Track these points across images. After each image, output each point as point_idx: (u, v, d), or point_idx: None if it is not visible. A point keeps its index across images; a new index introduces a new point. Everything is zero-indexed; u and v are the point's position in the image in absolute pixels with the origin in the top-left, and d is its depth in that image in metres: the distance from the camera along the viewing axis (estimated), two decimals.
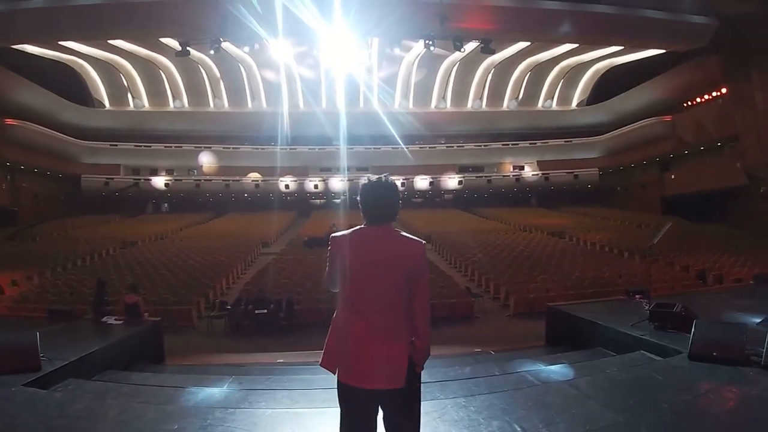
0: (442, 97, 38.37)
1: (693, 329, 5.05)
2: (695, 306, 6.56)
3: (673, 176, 31.76)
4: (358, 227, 2.47)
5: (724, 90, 27.50)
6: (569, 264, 16.64)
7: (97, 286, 9.22)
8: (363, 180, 2.50)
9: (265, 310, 11.45)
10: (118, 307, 8.94)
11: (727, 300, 9.31)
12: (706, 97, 29.53)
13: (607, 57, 32.83)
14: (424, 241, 2.48)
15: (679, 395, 3.98)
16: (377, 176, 2.51)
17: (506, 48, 31.54)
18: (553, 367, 5.34)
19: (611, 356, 6.14)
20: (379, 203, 2.44)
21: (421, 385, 2.51)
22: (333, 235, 2.48)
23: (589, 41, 25.56)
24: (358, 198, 2.46)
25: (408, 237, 2.45)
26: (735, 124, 26.02)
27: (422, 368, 2.46)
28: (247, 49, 22.85)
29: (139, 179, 35.63)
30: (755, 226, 23.80)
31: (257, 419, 3.77)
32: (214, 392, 4.77)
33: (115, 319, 8.38)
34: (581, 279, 14.08)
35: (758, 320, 6.35)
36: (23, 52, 25.59)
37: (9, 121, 27.38)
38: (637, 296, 8.77)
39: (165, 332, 9.31)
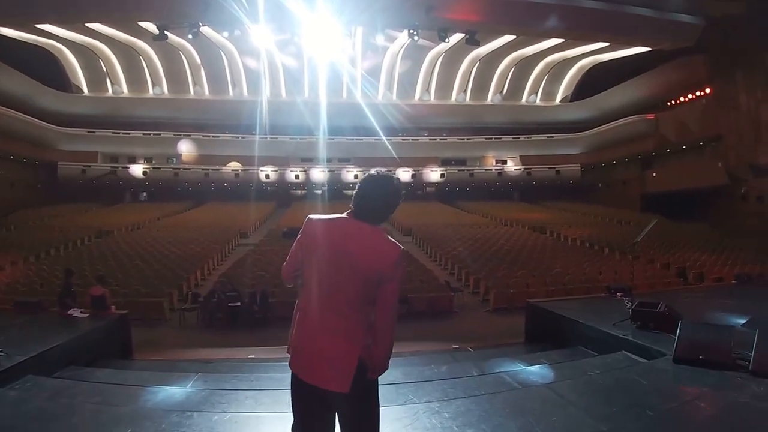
0: (426, 89, 38.04)
1: (678, 331, 4.90)
2: (677, 305, 6.45)
3: (654, 174, 31.98)
4: (340, 215, 2.26)
5: (708, 90, 27.73)
6: (550, 259, 16.58)
7: (64, 278, 8.86)
8: (371, 171, 2.29)
9: (239, 303, 11.16)
10: (86, 300, 8.59)
11: (709, 299, 9.26)
12: (690, 96, 29.73)
13: (592, 53, 32.81)
14: (401, 247, 2.24)
15: (664, 401, 3.81)
16: (386, 171, 2.32)
17: (492, 41, 31.31)
18: (532, 368, 5.15)
19: (592, 356, 6.00)
20: (376, 200, 2.23)
21: (378, 392, 2.31)
22: (310, 216, 2.26)
23: (575, 36, 25.43)
24: (357, 186, 2.25)
25: (388, 240, 2.21)
26: (718, 124, 26.24)
27: (377, 376, 2.24)
28: (226, 34, 22.35)
29: (117, 167, 34.89)
30: (735, 226, 24.07)
31: (215, 424, 3.52)
32: (175, 392, 4.52)
33: (81, 312, 8.03)
34: (561, 275, 14.01)
35: (743, 321, 6.23)
36: None
37: None
38: (618, 293, 8.63)
39: (136, 325, 9.00)
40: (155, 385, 4.76)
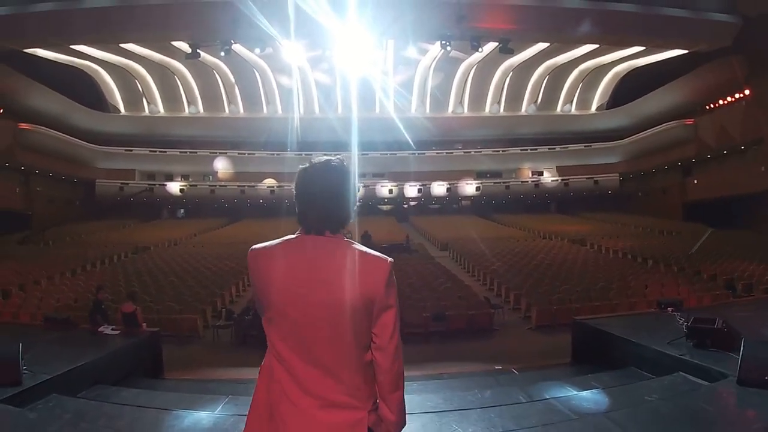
0: (459, 101, 37.71)
1: (741, 350, 4.42)
2: (731, 319, 5.95)
3: (695, 181, 30.84)
4: (288, 237, 1.70)
5: (747, 92, 26.55)
6: (592, 273, 15.93)
7: (95, 293, 8.83)
8: (303, 165, 1.72)
9: None
10: (117, 316, 8.52)
11: (761, 312, 8.67)
12: (729, 99, 28.54)
13: (626, 59, 31.94)
14: (390, 259, 1.65)
15: None
16: (323, 158, 1.73)
17: (524, 50, 30.87)
18: (585, 394, 4.72)
19: (647, 378, 5.53)
20: (323, 198, 1.65)
21: None
22: (253, 247, 1.70)
23: (609, 41, 24.87)
24: (294, 189, 1.71)
25: (366, 252, 1.63)
26: (759, 126, 25.12)
27: None
28: (258, 51, 22.54)
29: (154, 184, 35.56)
30: None
31: None
32: (202, 417, 4.30)
33: (112, 329, 7.97)
34: (606, 289, 13.36)
35: None
36: (37, 56, 25.56)
37: (23, 125, 27.30)
38: (669, 309, 8.12)
39: (169, 342, 8.91)
40: (182, 409, 4.56)
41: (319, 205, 1.65)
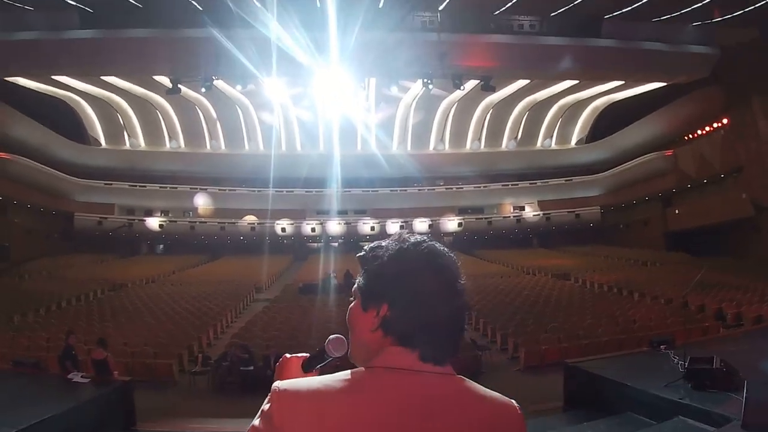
0: (441, 138, 38.07)
1: (745, 392, 4.24)
2: (726, 355, 5.80)
3: (677, 211, 31.19)
4: (359, 371, 1.01)
5: (725, 121, 27.16)
6: (578, 309, 15.75)
7: (65, 338, 8.40)
8: (389, 243, 1.11)
9: (251, 367, 10.49)
10: (88, 363, 8.09)
11: (755, 344, 8.56)
12: (707, 128, 29.10)
13: (605, 93, 32.64)
14: (518, 406, 1.06)
15: None
16: (420, 238, 1.12)
17: (504, 87, 31.36)
18: None
19: (645, 424, 5.31)
20: (451, 307, 1.04)
21: None
22: (283, 388, 0.97)
23: (590, 77, 25.38)
24: (367, 283, 1.07)
25: (491, 398, 1.04)
26: (738, 154, 25.70)
27: None
28: (240, 87, 22.56)
29: (134, 219, 34.97)
30: (764, 258, 22.96)
31: None
32: None
33: (82, 376, 7.53)
34: (594, 326, 13.18)
35: None
36: (18, 85, 25.30)
37: (1, 155, 26.66)
38: (662, 347, 7.95)
39: (142, 388, 8.45)
40: None
41: (454, 316, 1.05)
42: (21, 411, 5.22)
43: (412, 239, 1.10)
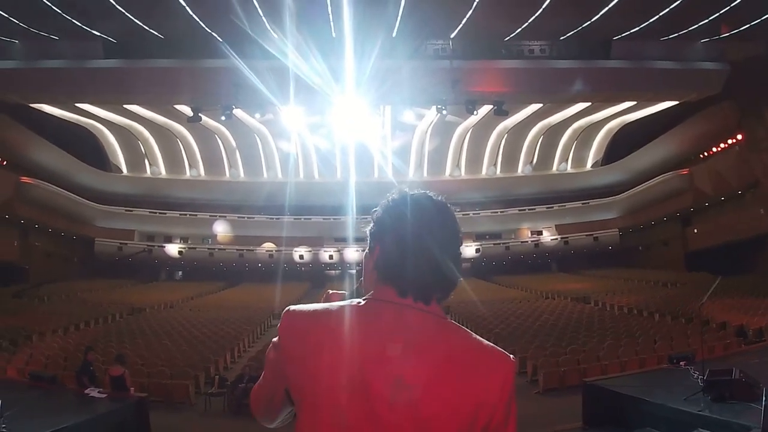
0: (457, 164, 38.23)
1: (764, 400, 4.19)
2: (746, 367, 5.71)
3: (695, 230, 30.78)
4: (354, 301, 1.15)
5: (739, 136, 26.87)
6: (598, 331, 15.48)
7: (84, 354, 8.50)
8: (391, 196, 1.22)
9: None
10: (105, 379, 8.17)
11: None
12: (722, 145, 28.74)
13: (618, 115, 32.45)
14: (512, 356, 1.12)
15: None
16: (415, 190, 1.23)
17: (518, 112, 31.50)
18: None
19: None
20: (433, 244, 1.11)
21: None
22: (291, 308, 1.14)
23: (602, 98, 25.37)
24: (370, 230, 1.22)
25: (481, 343, 1.11)
26: (754, 169, 25.40)
27: None
28: (258, 116, 23.03)
29: (153, 245, 35.43)
30: None
31: None
32: None
33: (99, 392, 7.59)
34: (614, 347, 12.94)
35: None
36: (43, 112, 26.02)
37: (24, 179, 27.35)
38: (681, 363, 7.82)
39: (158, 408, 8.48)
40: None
41: (435, 254, 1.10)
42: (37, 421, 5.28)
43: (406, 191, 1.23)
